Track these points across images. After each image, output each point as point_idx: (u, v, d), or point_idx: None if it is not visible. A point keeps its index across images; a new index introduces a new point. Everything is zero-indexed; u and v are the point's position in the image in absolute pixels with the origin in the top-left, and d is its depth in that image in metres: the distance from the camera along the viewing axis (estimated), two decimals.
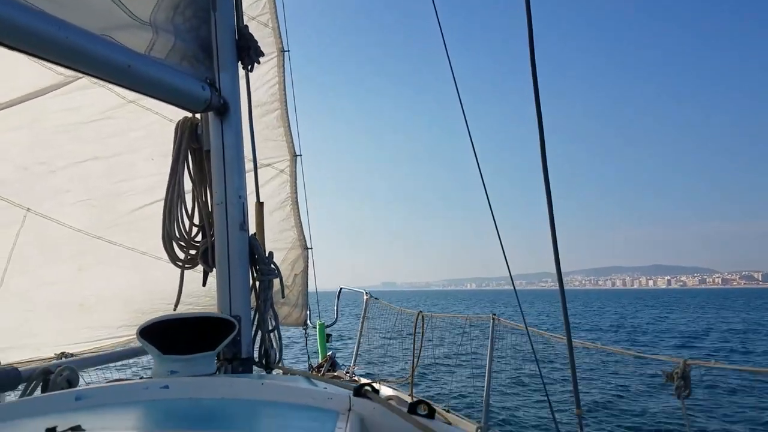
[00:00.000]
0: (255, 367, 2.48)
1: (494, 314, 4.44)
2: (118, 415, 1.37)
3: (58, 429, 1.08)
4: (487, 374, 4.30)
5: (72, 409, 1.40)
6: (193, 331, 1.93)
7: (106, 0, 1.98)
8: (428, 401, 1.37)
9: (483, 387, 4.25)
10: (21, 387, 1.75)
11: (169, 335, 1.83)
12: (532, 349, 2.78)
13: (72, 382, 1.72)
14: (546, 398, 2.52)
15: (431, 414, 1.37)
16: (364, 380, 4.78)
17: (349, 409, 1.41)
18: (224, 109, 2.34)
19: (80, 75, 3.67)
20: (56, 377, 1.69)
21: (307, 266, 5.13)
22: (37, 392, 1.74)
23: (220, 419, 1.37)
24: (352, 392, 1.47)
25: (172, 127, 4.04)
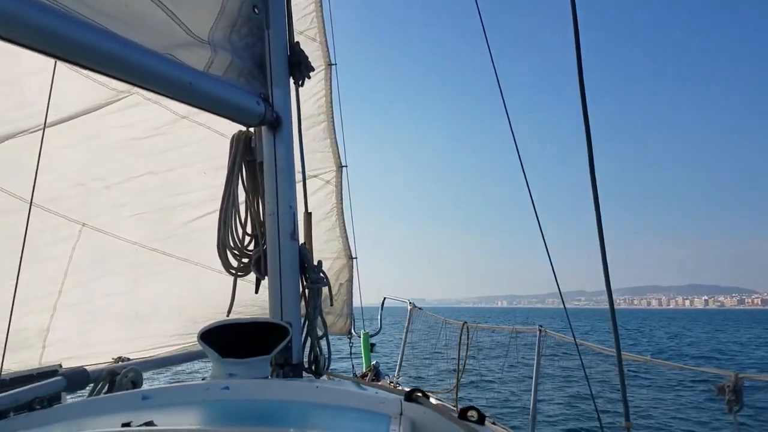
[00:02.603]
0: (304, 373, 2.53)
1: (541, 326, 4.40)
2: (183, 413, 1.44)
3: (132, 424, 1.15)
4: (533, 386, 4.25)
5: (139, 408, 1.47)
6: (248, 336, 2.00)
7: (167, 19, 2.08)
8: (478, 408, 1.39)
9: (529, 399, 4.21)
10: (89, 387, 1.84)
11: (226, 339, 1.90)
12: (581, 361, 2.74)
13: (136, 383, 1.81)
14: (595, 410, 2.49)
15: (482, 420, 1.39)
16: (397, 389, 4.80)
17: (401, 414, 1.44)
18: (277, 122, 2.42)
19: (132, 91, 3.82)
20: (122, 378, 1.77)
21: (352, 276, 5.20)
22: (104, 392, 1.83)
23: (278, 419, 1.42)
24: (403, 397, 1.50)
25: (224, 141, 4.18)
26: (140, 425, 1.13)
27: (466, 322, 4.60)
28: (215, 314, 4.56)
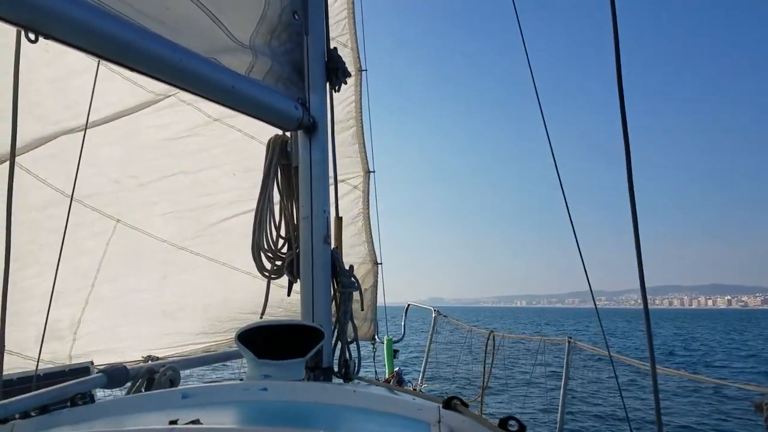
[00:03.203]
0: (333, 378, 2.54)
1: (570, 337, 4.35)
2: (224, 413, 1.46)
3: (179, 422, 1.17)
4: (561, 398, 4.20)
5: (180, 406, 1.49)
6: (282, 338, 2.01)
7: (211, 24, 2.12)
8: (518, 418, 1.38)
9: (556, 410, 4.16)
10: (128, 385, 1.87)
11: (261, 341, 1.92)
12: (615, 376, 2.70)
13: (174, 382, 1.84)
14: (628, 426, 2.45)
15: (522, 430, 1.38)
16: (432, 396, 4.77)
17: (439, 421, 1.44)
18: (313, 127, 2.44)
19: (169, 93, 3.90)
20: (161, 377, 1.80)
21: (377, 281, 5.21)
22: (142, 390, 1.86)
23: (317, 422, 1.43)
24: (441, 404, 1.50)
25: (253, 144, 4.25)
26: (188, 422, 1.15)
27: (492, 331, 4.57)
28: (240, 315, 4.61)
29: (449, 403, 1.49)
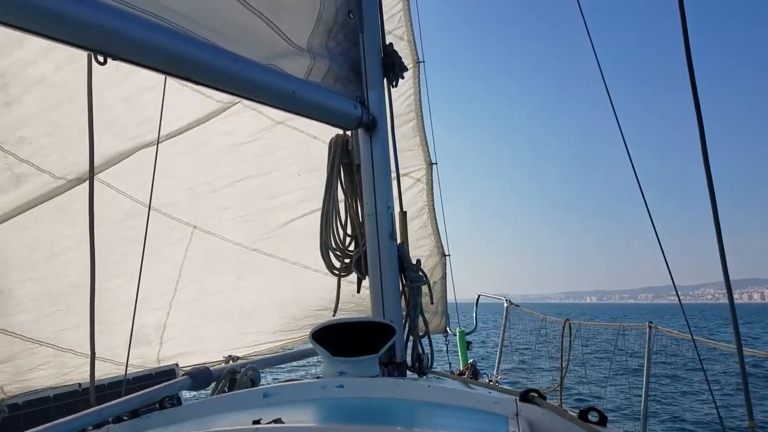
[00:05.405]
0: (408, 372, 2.55)
1: (651, 323, 4.20)
2: (303, 411, 1.50)
3: (262, 421, 1.20)
4: (644, 384, 4.05)
5: (262, 405, 1.54)
6: (356, 334, 2.04)
7: (268, 31, 2.16)
8: (599, 409, 1.34)
9: (638, 400, 4.02)
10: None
11: (335, 338, 1.96)
12: (698, 357, 2.59)
13: (255, 381, 1.90)
14: (714, 408, 2.34)
15: (603, 421, 1.34)
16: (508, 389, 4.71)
17: (517, 414, 1.42)
18: (373, 124, 2.45)
19: (235, 101, 4.02)
20: (242, 377, 1.87)
21: (446, 273, 5.20)
22: (225, 390, 1.94)
23: (395, 418, 1.44)
24: (518, 397, 1.48)
25: (316, 143, 4.31)
26: (270, 421, 1.19)
27: (568, 319, 4.46)
28: (313, 312, 4.71)
29: (526, 396, 1.46)
